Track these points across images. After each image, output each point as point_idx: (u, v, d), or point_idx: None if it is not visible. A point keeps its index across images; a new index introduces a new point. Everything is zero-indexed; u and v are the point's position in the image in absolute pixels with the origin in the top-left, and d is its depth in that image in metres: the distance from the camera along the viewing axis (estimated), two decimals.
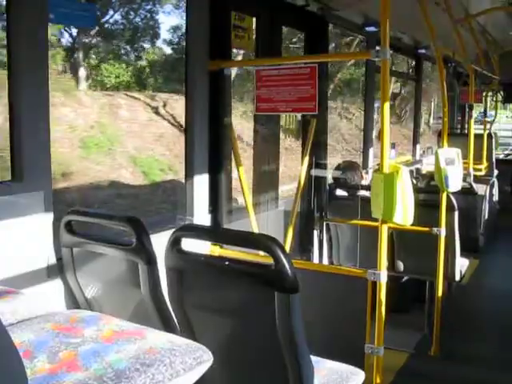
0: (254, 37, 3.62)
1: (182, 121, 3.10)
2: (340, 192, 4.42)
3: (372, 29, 4.91)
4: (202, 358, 1.49)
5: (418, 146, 7.49)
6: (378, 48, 2.46)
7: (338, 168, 4.59)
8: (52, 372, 1.33)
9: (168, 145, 14.22)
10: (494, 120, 8.42)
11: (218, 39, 3.17)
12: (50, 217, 2.38)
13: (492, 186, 6.81)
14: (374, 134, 5.82)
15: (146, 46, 18.93)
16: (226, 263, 1.92)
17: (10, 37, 2.24)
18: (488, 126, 7.34)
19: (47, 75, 2.38)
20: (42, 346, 1.43)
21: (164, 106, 15.62)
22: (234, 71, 10.86)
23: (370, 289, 2.58)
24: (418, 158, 7.40)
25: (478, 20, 5.24)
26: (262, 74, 3.13)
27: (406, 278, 4.39)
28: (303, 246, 4.19)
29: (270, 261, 1.80)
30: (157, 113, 15.37)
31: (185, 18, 3.20)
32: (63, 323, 1.59)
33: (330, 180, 4.48)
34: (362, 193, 4.24)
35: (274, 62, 3.38)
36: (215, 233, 2.38)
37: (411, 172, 6.18)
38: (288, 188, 6.60)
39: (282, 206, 4.13)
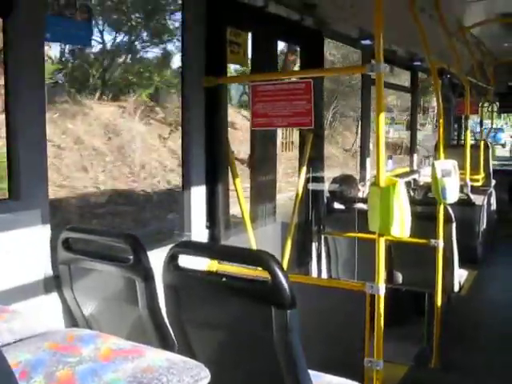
0: (249, 52, 3.64)
1: None
2: (337, 205, 4.43)
3: (367, 42, 4.94)
4: (200, 376, 1.49)
5: (414, 156, 7.50)
6: (373, 62, 2.48)
7: (334, 181, 4.60)
8: None
9: None
10: (490, 130, 8.45)
11: (214, 55, 3.19)
12: (47, 234, 2.39)
13: (490, 196, 6.82)
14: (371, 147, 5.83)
15: None
16: (223, 279, 1.92)
17: (8, 58, 2.26)
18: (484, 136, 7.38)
19: (44, 93, 2.40)
20: (39, 365, 1.43)
21: None
22: None
23: (368, 302, 2.58)
24: (415, 167, 7.41)
25: (472, 31, 5.28)
26: (258, 89, 3.15)
27: (404, 290, 4.39)
28: (301, 259, 4.19)
29: (267, 275, 1.80)
30: None
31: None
32: (60, 342, 1.59)
33: (327, 193, 4.49)
34: (359, 205, 4.25)
35: (269, 77, 3.40)
36: (212, 249, 2.38)
37: (408, 183, 6.19)
38: None
39: (279, 219, 4.14)
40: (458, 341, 4.08)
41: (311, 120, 3.02)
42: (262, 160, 3.98)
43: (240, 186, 3.37)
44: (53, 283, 2.41)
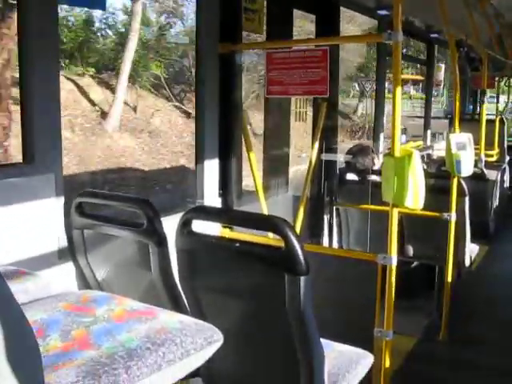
0: (264, 19, 3.60)
1: None
2: (350, 176, 4.41)
3: (384, 12, 4.87)
4: (213, 338, 1.50)
5: (428, 132, 7.45)
6: (389, 31, 2.44)
7: (349, 151, 4.57)
8: (64, 350, 1.34)
9: None
10: (506, 105, 8.33)
11: (229, 22, 3.15)
12: (60, 199, 2.40)
13: (503, 172, 6.77)
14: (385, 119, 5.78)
15: None
16: (237, 245, 1.92)
17: (21, 19, 2.25)
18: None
19: (58, 56, 2.39)
20: (55, 324, 1.45)
21: None
22: None
23: (379, 273, 2.58)
24: (428, 143, 7.36)
25: (492, 3, 5.17)
26: (273, 56, 3.12)
27: (415, 263, 4.39)
28: (313, 230, 4.20)
29: (280, 244, 1.80)
30: None
31: None
32: (75, 303, 1.60)
33: (340, 164, 4.47)
34: (373, 177, 4.23)
35: (285, 44, 3.36)
36: (226, 214, 2.38)
37: (422, 157, 6.14)
38: None
39: (291, 190, 4.13)
40: (468, 314, 4.09)
41: (327, 89, 2.99)
42: (276, 130, 3.96)
43: (253, 155, 3.36)
44: (66, 248, 2.43)
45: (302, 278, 1.75)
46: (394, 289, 2.55)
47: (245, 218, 2.09)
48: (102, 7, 2.79)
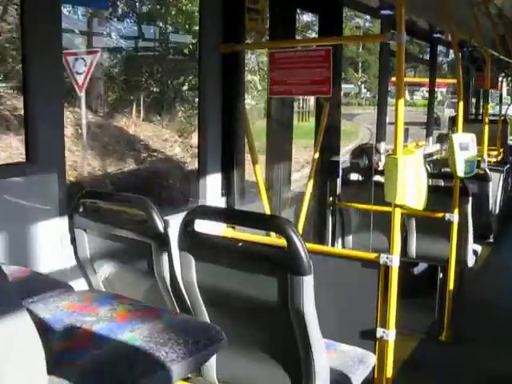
0: (267, 19, 3.60)
1: None
2: (354, 176, 4.41)
3: (387, 12, 4.86)
4: (215, 338, 1.50)
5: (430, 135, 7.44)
6: (393, 31, 2.44)
7: (353, 152, 4.58)
8: (68, 349, 1.34)
9: None
10: (510, 105, 8.32)
11: (232, 22, 3.15)
12: (63, 198, 2.40)
13: (507, 173, 6.75)
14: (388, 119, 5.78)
15: None
16: (240, 244, 1.92)
17: (24, 16, 2.25)
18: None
19: (61, 55, 2.39)
20: (58, 324, 1.45)
21: None
22: None
23: (382, 273, 2.58)
24: (430, 144, 7.35)
25: (495, 3, 5.16)
26: (276, 56, 3.12)
27: (418, 263, 4.38)
28: (316, 229, 4.20)
29: (283, 243, 1.80)
30: None
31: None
32: (78, 302, 1.61)
33: (344, 164, 4.47)
34: (376, 178, 4.22)
35: (287, 44, 3.36)
36: (228, 214, 2.38)
37: (424, 158, 6.14)
38: None
39: (294, 189, 4.14)
40: (470, 314, 4.08)
41: (329, 88, 2.99)
42: (278, 129, 3.96)
43: (256, 155, 3.36)
44: (69, 247, 2.43)
45: (305, 278, 1.76)
46: (396, 289, 2.55)
47: (247, 218, 2.09)
48: (106, 6, 2.79)
